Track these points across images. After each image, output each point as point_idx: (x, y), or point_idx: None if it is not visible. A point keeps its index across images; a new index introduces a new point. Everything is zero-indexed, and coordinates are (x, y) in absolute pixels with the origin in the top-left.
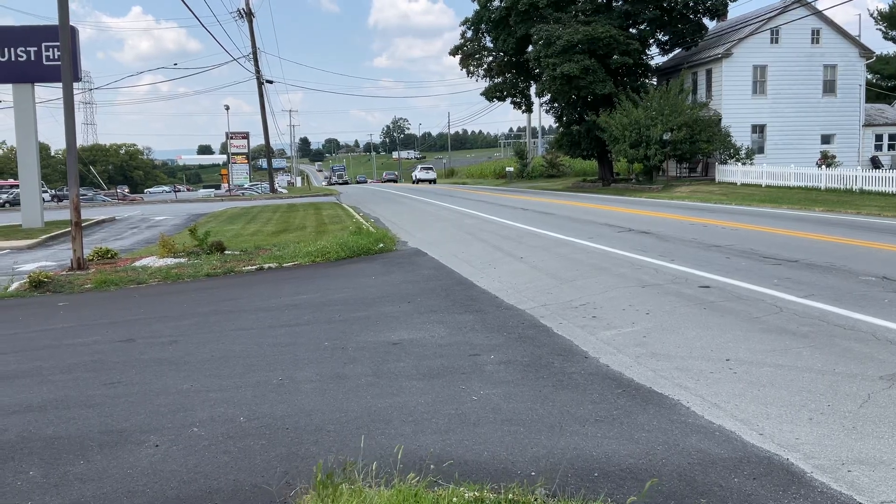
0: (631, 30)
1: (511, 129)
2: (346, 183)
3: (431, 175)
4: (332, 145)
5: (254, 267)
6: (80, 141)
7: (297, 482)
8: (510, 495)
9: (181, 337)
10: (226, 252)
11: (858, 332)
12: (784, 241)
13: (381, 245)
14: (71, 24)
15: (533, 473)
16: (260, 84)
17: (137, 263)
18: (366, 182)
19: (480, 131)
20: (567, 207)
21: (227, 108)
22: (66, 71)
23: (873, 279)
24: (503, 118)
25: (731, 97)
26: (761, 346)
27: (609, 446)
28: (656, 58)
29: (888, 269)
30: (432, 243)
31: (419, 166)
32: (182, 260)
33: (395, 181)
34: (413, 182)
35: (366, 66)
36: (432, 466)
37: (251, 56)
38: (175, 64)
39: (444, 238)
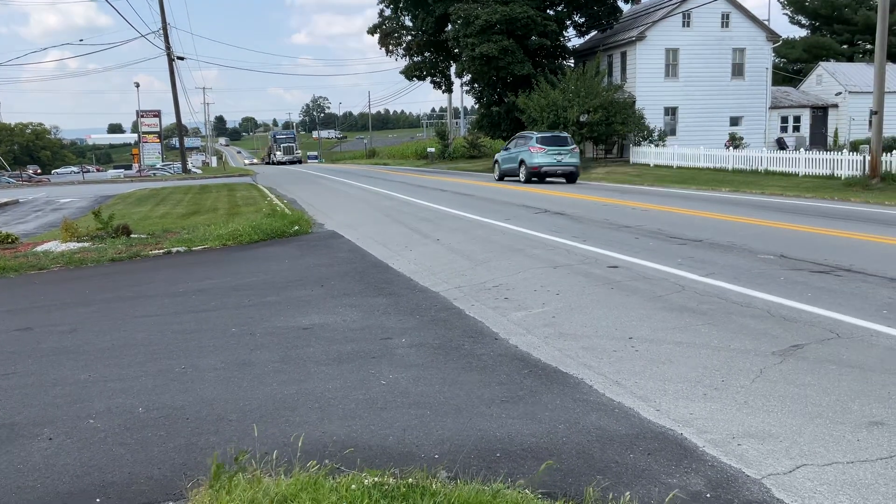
0: (549, 11)
1: (433, 110)
2: (297, 162)
3: (296, 156)
4: (250, 124)
5: (161, 251)
6: None
7: (195, 474)
8: (411, 479)
9: (81, 325)
10: (132, 236)
11: (754, 308)
12: (690, 221)
13: (297, 227)
14: None
15: (436, 456)
16: (171, 61)
17: (39, 248)
18: (319, 161)
19: (403, 111)
20: (486, 189)
21: (138, 85)
22: None
23: (771, 257)
24: (425, 98)
25: (644, 80)
26: (663, 325)
27: (513, 427)
28: (573, 40)
29: (786, 248)
30: (349, 225)
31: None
32: (86, 244)
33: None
34: (272, 163)
35: (284, 42)
36: (336, 453)
37: (161, 32)
38: (81, 40)
39: (362, 220)
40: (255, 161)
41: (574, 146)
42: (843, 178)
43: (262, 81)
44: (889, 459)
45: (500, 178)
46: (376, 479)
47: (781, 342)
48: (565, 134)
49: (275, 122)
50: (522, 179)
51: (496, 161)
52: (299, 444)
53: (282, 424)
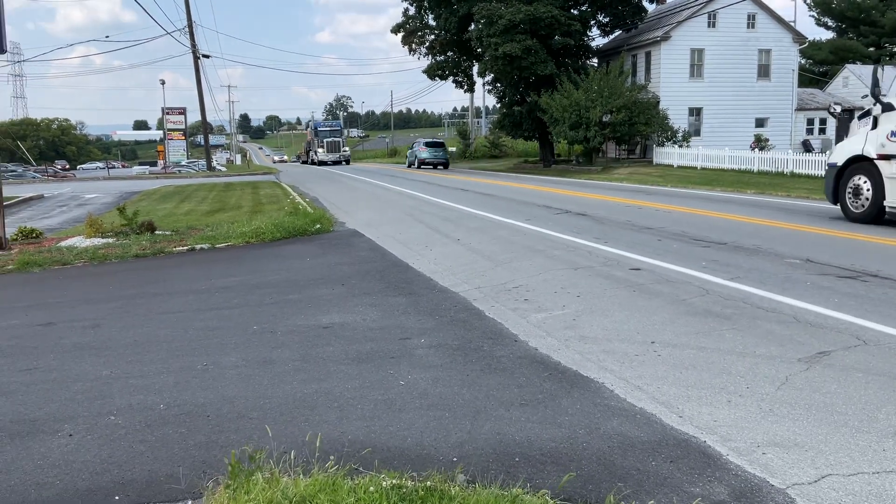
0: (572, 10)
1: (455, 109)
2: (345, 161)
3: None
4: (274, 122)
5: (185, 248)
6: (10, 115)
7: (215, 472)
8: (429, 482)
9: (104, 320)
10: (156, 232)
11: (781, 314)
12: (715, 224)
13: (318, 226)
14: None
15: (455, 459)
16: (196, 58)
17: (63, 244)
18: None
19: (425, 110)
20: (507, 189)
21: (163, 82)
22: None
23: (798, 261)
24: (447, 97)
25: (669, 80)
26: (686, 329)
27: (532, 431)
28: (597, 39)
29: (812, 252)
30: (370, 224)
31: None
32: (110, 240)
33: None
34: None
35: (308, 41)
36: (354, 454)
37: (187, 30)
38: (107, 36)
39: (383, 219)
40: (285, 159)
41: (444, 147)
42: None
43: (286, 80)
44: None
45: (409, 166)
46: (394, 481)
47: (807, 349)
48: (441, 140)
49: (298, 121)
50: (416, 165)
51: (407, 157)
52: (317, 444)
53: (301, 423)
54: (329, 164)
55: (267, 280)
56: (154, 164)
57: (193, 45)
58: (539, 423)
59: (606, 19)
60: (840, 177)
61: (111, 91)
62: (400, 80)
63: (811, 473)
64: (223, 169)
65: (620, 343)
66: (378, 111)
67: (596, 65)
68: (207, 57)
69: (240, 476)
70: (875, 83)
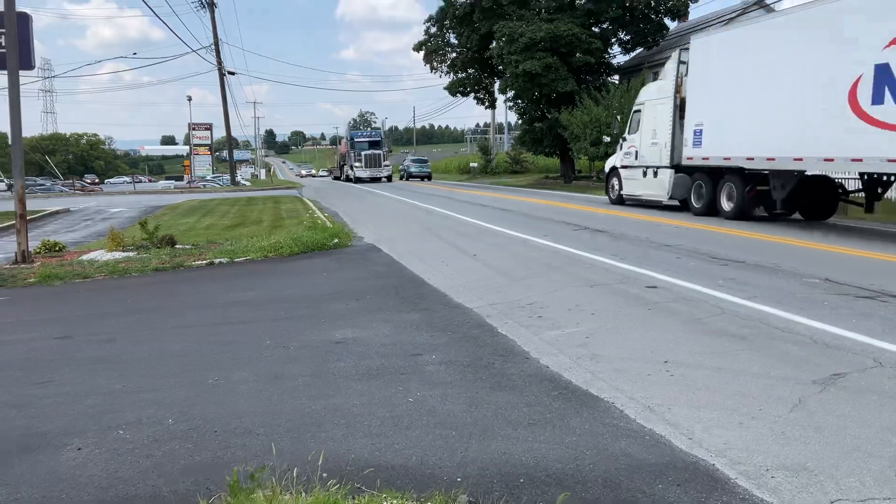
0: (594, 28)
1: (477, 125)
2: (386, 179)
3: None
4: (298, 138)
5: (204, 262)
6: (40, 130)
7: (218, 489)
8: (431, 503)
9: (120, 334)
10: (176, 246)
11: (797, 334)
12: (733, 241)
13: (336, 240)
14: (22, 9)
15: (458, 479)
16: (222, 76)
17: (85, 257)
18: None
19: (447, 126)
20: (527, 204)
21: (190, 98)
22: (12, 57)
23: (816, 281)
24: (469, 113)
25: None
26: (700, 349)
27: (539, 451)
28: (618, 56)
29: (831, 271)
30: (388, 239)
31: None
32: (131, 254)
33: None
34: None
35: (333, 58)
36: (357, 472)
37: (213, 47)
38: (134, 53)
39: (401, 234)
40: (312, 173)
41: (427, 163)
42: None
43: (311, 96)
44: None
45: (402, 179)
46: (397, 500)
47: (823, 370)
48: (425, 158)
49: (322, 136)
50: (406, 178)
51: (400, 171)
52: (319, 462)
53: (307, 440)
54: (367, 182)
55: (283, 295)
56: (180, 178)
57: (219, 63)
58: (546, 443)
59: (628, 37)
60: (609, 178)
61: (139, 107)
62: (423, 96)
63: (820, 499)
64: (247, 183)
65: (633, 362)
66: (401, 126)
67: (617, 81)
68: (233, 74)
69: (240, 494)
70: (615, 126)
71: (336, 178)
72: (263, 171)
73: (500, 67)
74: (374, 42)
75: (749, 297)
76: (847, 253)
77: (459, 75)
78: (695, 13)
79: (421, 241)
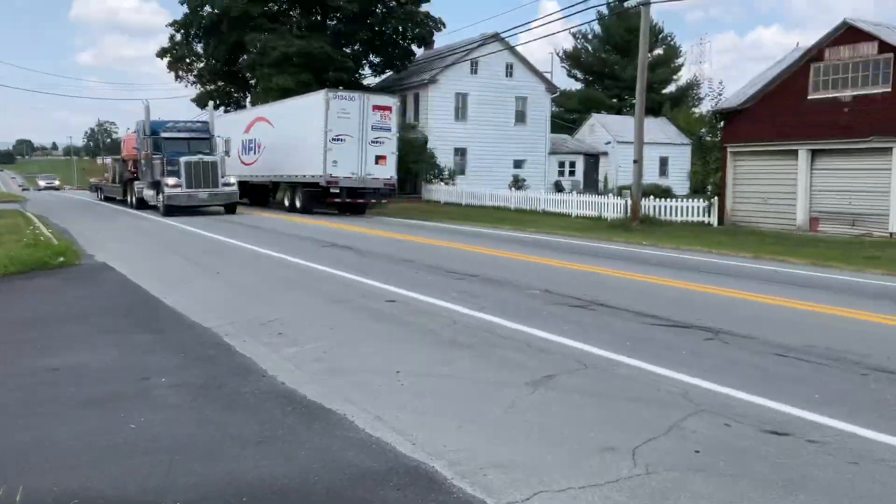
0: (346, 49)
1: None
2: (225, 208)
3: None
4: (26, 147)
5: None
6: None
7: None
8: None
9: None
10: None
11: (516, 341)
12: (471, 257)
13: (62, 259)
14: None
15: None
16: None
17: None
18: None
19: None
20: (276, 220)
21: None
22: None
23: (537, 292)
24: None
25: (436, 121)
26: (430, 359)
27: (265, 469)
28: (371, 78)
29: (551, 283)
30: (124, 258)
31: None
32: None
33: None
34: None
35: (68, 62)
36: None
37: None
38: None
39: (139, 252)
40: (56, 184)
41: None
42: (608, 220)
43: (41, 102)
44: (616, 483)
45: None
46: None
47: (535, 373)
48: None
49: (54, 146)
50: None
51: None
52: (17, 499)
53: (7, 474)
54: (183, 211)
55: None
56: None
57: None
58: (274, 459)
59: (378, 60)
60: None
61: None
62: (175, 107)
63: (525, 492)
64: None
65: (367, 374)
66: None
67: None
68: None
69: None
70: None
71: (108, 200)
72: None
73: (253, 81)
74: (116, 47)
75: (479, 308)
76: (566, 267)
77: (208, 87)
78: (440, 41)
79: (161, 259)
